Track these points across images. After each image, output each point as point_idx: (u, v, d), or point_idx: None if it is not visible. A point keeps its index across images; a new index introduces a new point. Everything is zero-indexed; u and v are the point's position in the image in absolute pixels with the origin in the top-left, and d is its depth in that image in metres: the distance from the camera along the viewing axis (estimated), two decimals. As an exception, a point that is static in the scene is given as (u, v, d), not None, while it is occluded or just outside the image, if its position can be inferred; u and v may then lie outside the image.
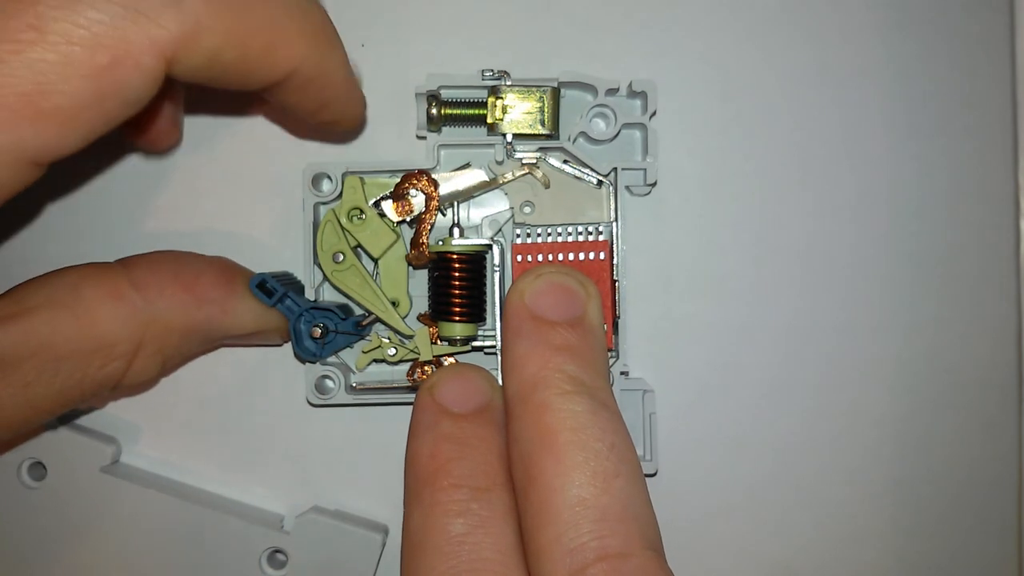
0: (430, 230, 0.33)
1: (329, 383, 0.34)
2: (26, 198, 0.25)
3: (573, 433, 0.25)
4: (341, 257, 0.33)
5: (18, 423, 0.28)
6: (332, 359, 0.34)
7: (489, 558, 0.25)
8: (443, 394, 0.28)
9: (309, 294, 0.33)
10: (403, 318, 0.33)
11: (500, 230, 0.34)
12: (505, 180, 0.34)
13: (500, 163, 0.34)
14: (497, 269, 0.33)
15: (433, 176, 0.33)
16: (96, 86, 0.21)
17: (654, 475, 0.34)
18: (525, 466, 0.26)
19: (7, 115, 0.20)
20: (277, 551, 0.34)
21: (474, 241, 0.33)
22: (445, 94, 0.33)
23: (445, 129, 0.33)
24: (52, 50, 0.20)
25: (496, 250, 0.33)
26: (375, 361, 0.34)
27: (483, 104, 0.33)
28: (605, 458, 0.25)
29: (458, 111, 0.33)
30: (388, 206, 0.33)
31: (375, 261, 0.33)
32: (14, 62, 0.20)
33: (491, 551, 0.25)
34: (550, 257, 0.33)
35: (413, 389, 0.33)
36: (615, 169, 0.33)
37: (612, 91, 0.33)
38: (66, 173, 0.36)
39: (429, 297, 0.33)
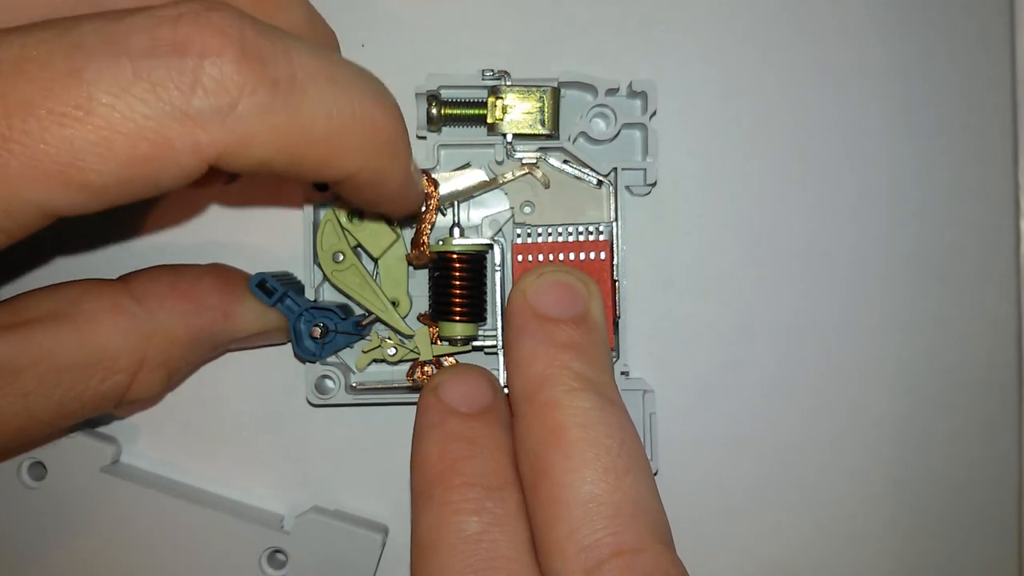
0: (430, 230, 0.33)
1: (329, 383, 0.33)
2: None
3: (582, 430, 0.25)
4: (341, 257, 0.33)
5: (15, 432, 0.27)
6: (332, 359, 0.34)
7: (506, 555, 0.25)
8: (448, 394, 0.28)
9: (309, 294, 0.33)
10: (403, 318, 0.33)
11: (500, 230, 0.34)
12: (505, 180, 0.34)
13: (500, 163, 0.34)
14: (498, 269, 0.33)
15: (433, 176, 0.33)
16: (131, 172, 0.21)
17: (654, 475, 0.34)
18: (534, 463, 0.26)
19: (40, 177, 0.20)
20: (277, 551, 0.34)
21: (474, 241, 0.33)
22: (445, 94, 0.33)
23: (445, 129, 0.33)
24: (94, 132, 0.20)
25: (496, 250, 0.33)
26: (375, 361, 0.34)
27: (483, 104, 0.33)
28: (616, 454, 0.25)
29: (458, 111, 0.33)
30: (388, 206, 0.33)
31: (375, 261, 0.33)
32: (56, 132, 0.20)
33: (507, 548, 0.25)
34: (550, 257, 0.33)
35: (413, 389, 0.33)
36: (615, 169, 0.33)
37: (612, 91, 0.33)
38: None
39: (429, 297, 0.33)
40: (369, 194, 0.27)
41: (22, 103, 0.20)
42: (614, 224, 0.33)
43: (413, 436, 0.28)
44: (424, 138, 0.33)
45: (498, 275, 0.33)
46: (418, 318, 0.34)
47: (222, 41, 0.21)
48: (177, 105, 0.21)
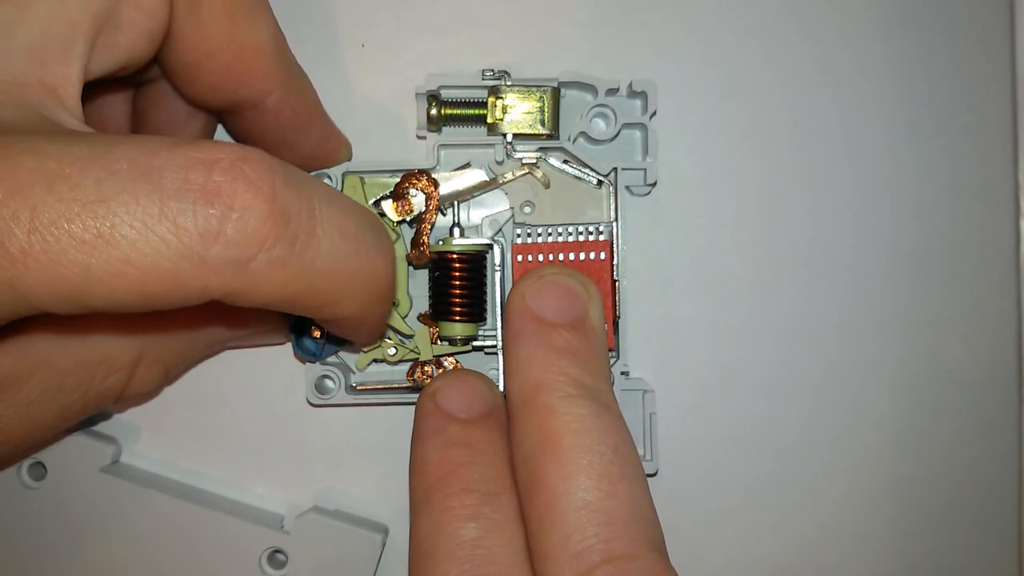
0: (430, 230, 0.33)
1: (329, 383, 0.33)
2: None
3: (577, 436, 0.25)
4: (341, 257, 0.33)
5: (20, 439, 0.27)
6: (332, 359, 0.34)
7: (502, 561, 0.25)
8: (447, 400, 0.28)
9: (309, 294, 0.33)
10: (403, 318, 0.33)
11: (500, 230, 0.34)
12: (505, 180, 0.34)
13: (500, 163, 0.34)
14: (498, 269, 0.33)
15: (433, 176, 0.33)
16: (135, 301, 0.21)
17: (654, 475, 0.34)
18: (529, 469, 0.26)
19: (50, 294, 0.20)
20: (277, 551, 0.34)
21: (474, 241, 0.33)
22: (445, 94, 0.33)
23: (445, 129, 0.33)
24: (110, 264, 0.20)
25: (496, 250, 0.33)
26: (375, 361, 0.34)
27: (483, 104, 0.33)
28: (610, 461, 0.25)
29: (458, 111, 0.33)
30: (388, 206, 0.33)
31: (375, 261, 0.33)
32: (74, 257, 0.20)
33: (503, 554, 0.25)
34: (550, 257, 0.33)
35: (413, 389, 0.33)
36: (615, 169, 0.33)
37: (612, 91, 0.33)
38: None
39: (429, 297, 0.33)
40: (346, 327, 0.27)
41: (49, 222, 0.20)
42: (614, 224, 0.33)
43: (412, 441, 0.28)
44: (424, 138, 0.33)
45: (498, 275, 0.33)
46: (418, 318, 0.34)
47: (253, 195, 0.21)
48: (196, 250, 0.21)
